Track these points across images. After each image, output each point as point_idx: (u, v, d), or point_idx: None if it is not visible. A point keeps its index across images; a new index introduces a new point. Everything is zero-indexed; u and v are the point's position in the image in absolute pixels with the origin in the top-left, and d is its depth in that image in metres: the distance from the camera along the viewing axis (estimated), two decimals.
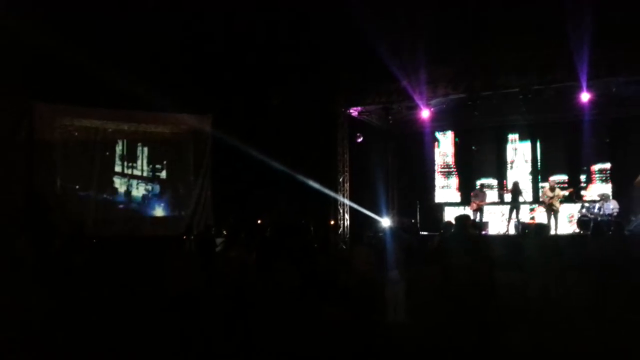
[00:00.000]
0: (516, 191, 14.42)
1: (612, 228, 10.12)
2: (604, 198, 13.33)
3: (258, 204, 17.53)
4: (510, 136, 16.77)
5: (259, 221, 17.08)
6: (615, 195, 14.17)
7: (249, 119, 17.49)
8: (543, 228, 8.31)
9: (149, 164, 17.04)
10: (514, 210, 14.34)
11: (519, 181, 15.04)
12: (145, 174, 16.98)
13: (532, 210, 15.70)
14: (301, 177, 17.01)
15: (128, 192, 16.59)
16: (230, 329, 4.83)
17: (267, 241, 6.08)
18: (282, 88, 17.62)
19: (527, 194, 15.47)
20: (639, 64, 11.90)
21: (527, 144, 16.58)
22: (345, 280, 5.67)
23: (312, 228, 7.74)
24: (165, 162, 17.10)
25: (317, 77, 16.10)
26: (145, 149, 16.96)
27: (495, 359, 5.77)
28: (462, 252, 6.49)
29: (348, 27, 13.92)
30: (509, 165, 16.82)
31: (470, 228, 7.44)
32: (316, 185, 15.98)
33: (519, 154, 16.74)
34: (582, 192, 15.13)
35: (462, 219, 7.11)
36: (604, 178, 15.62)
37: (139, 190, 16.77)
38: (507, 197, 15.54)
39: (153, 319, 6.12)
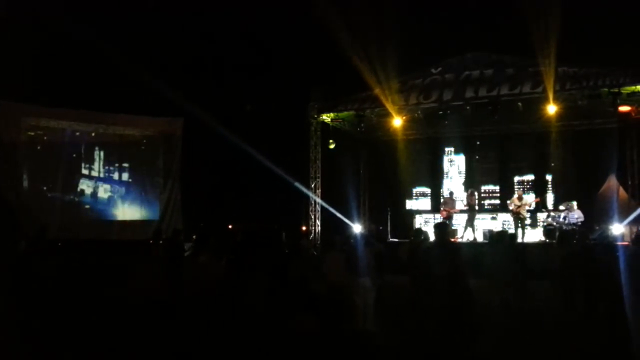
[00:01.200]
0: (472, 200, 14.75)
1: (576, 237, 10.40)
2: (568, 208, 13.68)
3: (229, 209, 17.41)
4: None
5: (230, 226, 16.95)
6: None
7: (222, 124, 17.38)
8: (507, 235, 8.42)
9: (117, 166, 16.75)
10: (471, 219, 14.64)
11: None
12: (113, 176, 16.68)
13: (493, 219, 15.99)
14: (273, 183, 16.96)
15: (94, 194, 16.26)
16: (197, 335, 4.75)
17: (237, 247, 6.00)
18: (256, 94, 17.60)
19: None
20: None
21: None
22: (316, 287, 5.65)
23: (283, 234, 7.73)
24: (134, 165, 16.84)
25: (290, 83, 16.13)
26: (114, 151, 16.67)
27: None
28: (441, 261, 6.51)
29: (321, 34, 14.01)
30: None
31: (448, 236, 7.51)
32: (288, 191, 15.97)
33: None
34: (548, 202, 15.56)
35: (442, 228, 7.04)
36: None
37: (105, 193, 16.45)
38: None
39: (116, 325, 5.96)
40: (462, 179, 17.41)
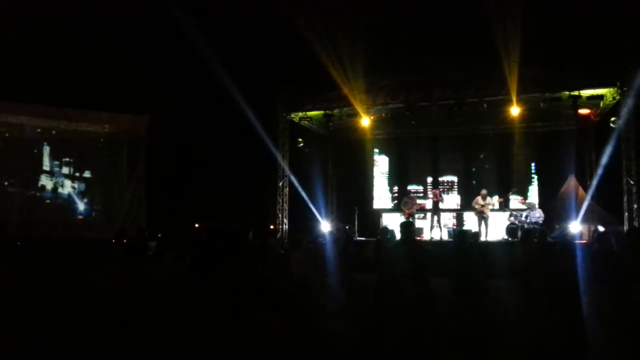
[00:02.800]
0: (437, 200, 15.02)
1: (537, 235, 10.68)
2: (530, 207, 14.06)
3: (196, 208, 17.19)
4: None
5: (196, 225, 16.74)
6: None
7: (189, 122, 17.15)
8: (469, 234, 8.55)
9: (79, 163, 16.35)
10: (436, 217, 14.90)
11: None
12: (75, 173, 16.27)
13: (459, 218, 16.32)
14: (241, 182, 16.84)
15: (55, 190, 15.85)
16: (158, 337, 4.65)
17: (202, 246, 5.91)
18: (223, 93, 17.41)
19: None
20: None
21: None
22: (282, 286, 5.63)
23: (250, 233, 7.65)
24: (96, 162, 16.47)
25: (258, 81, 16.02)
26: (76, 148, 16.25)
27: None
28: (406, 259, 6.60)
29: (290, 33, 13.97)
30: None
31: (413, 235, 7.59)
32: (257, 190, 15.88)
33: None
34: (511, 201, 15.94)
35: (406, 226, 7.12)
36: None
37: (66, 189, 16.05)
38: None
39: (74, 328, 5.77)
40: (427, 178, 17.70)
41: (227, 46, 16.45)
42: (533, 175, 16.66)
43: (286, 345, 4.52)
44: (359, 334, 6.78)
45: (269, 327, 4.47)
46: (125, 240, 10.41)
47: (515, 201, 16.10)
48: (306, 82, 14.80)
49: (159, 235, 7.43)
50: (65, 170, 16.10)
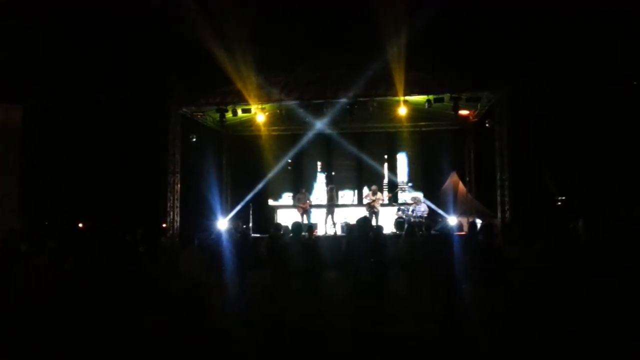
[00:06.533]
0: (332, 195, 15.43)
1: (422, 228, 11.35)
2: (416, 201, 14.85)
3: (80, 206, 16.07)
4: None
5: (80, 225, 15.64)
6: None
7: (73, 114, 15.97)
8: (369, 221, 8.79)
9: None
10: (330, 213, 15.29)
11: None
12: None
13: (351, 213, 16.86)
14: (130, 178, 16.02)
15: None
16: (32, 344, 4.28)
17: (82, 247, 5.51)
18: (110, 84, 16.41)
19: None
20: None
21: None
22: (171, 286, 5.42)
23: (138, 231, 7.26)
24: None
25: (148, 74, 15.31)
26: None
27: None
28: (299, 255, 6.68)
29: (183, 26, 13.52)
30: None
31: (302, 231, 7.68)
32: (148, 187, 15.19)
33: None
34: (399, 196, 16.78)
35: (297, 227, 7.24)
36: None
37: None
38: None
39: None
40: (322, 175, 18.08)
41: (118, 38, 15.55)
42: (418, 172, 17.66)
43: (174, 346, 4.36)
44: (253, 332, 6.73)
45: (155, 329, 4.28)
46: None
47: (403, 196, 16.97)
48: (199, 77, 14.38)
49: (34, 238, 6.82)
50: None
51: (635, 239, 4.01)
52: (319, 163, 18.19)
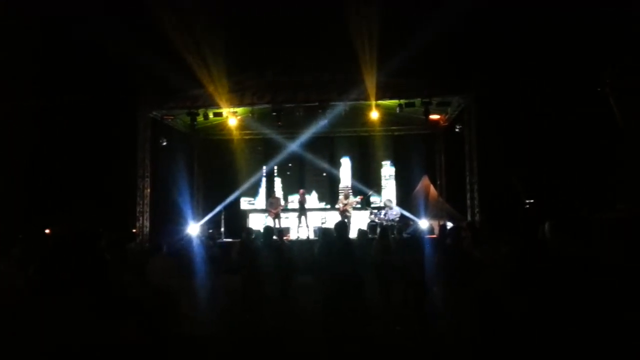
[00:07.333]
0: (303, 200, 15.43)
1: (394, 232, 11.42)
2: (388, 205, 14.94)
3: (48, 211, 15.65)
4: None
5: (47, 231, 15.22)
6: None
7: (37, 117, 15.54)
8: (345, 225, 8.80)
9: None
10: (302, 217, 15.27)
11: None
12: None
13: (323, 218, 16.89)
14: (98, 183, 15.68)
15: None
16: None
17: (47, 254, 5.34)
18: (76, 85, 16.03)
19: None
20: None
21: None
22: (139, 293, 5.30)
23: (107, 237, 7.09)
24: None
25: (116, 76, 15.03)
26: None
27: None
28: (270, 260, 6.64)
29: (152, 27, 13.33)
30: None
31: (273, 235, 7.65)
32: (117, 191, 14.88)
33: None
34: (371, 200, 16.87)
35: (267, 231, 7.25)
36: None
37: None
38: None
39: None
40: (294, 178, 18.05)
41: (82, 40, 15.21)
42: (391, 176, 17.80)
43: (142, 354, 4.25)
44: (223, 338, 6.66)
45: (123, 336, 4.16)
46: None
47: (375, 200, 17.07)
48: (169, 80, 14.18)
49: None
50: None
51: (599, 239, 4.11)
52: (291, 166, 18.13)
